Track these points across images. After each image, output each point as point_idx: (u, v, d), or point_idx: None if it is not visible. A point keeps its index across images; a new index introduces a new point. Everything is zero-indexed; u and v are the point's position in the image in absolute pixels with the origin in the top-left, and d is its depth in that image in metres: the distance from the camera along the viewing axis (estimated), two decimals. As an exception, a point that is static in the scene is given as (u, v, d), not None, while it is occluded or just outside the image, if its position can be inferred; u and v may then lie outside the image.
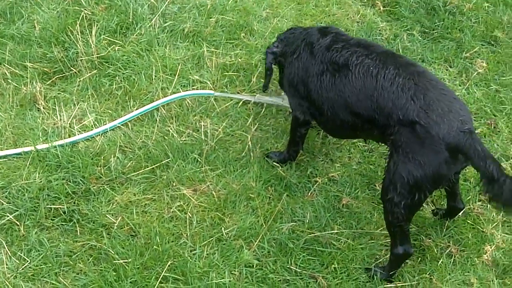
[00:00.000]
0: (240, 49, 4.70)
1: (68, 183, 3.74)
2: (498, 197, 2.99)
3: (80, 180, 3.75)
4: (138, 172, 3.83)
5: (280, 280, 3.37)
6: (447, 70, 4.69)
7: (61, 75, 4.43)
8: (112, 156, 3.90)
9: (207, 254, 3.45)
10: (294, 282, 3.36)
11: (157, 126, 4.08)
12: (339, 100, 3.45)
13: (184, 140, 4.01)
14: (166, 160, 3.88)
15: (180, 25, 4.80)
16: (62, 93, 4.33)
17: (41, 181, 3.72)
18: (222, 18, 4.91)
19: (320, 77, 3.54)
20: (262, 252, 3.48)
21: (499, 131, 4.26)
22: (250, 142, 4.00)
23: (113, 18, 4.75)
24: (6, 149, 3.93)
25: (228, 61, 4.59)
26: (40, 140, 3.99)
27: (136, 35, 4.68)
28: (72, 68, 4.44)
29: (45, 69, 4.44)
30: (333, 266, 3.43)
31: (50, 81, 4.39)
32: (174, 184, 3.77)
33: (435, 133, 3.04)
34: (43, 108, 4.19)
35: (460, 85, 4.56)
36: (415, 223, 3.65)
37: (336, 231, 3.59)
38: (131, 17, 4.77)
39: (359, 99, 3.35)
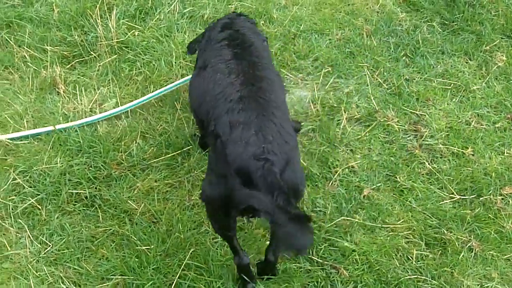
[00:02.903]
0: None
1: (90, 168, 3.73)
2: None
3: (101, 165, 3.75)
4: (159, 158, 3.82)
5: (302, 270, 3.37)
6: (467, 63, 4.67)
7: (80, 59, 4.41)
8: (133, 142, 3.89)
9: (229, 242, 3.45)
10: (315, 272, 3.37)
11: (178, 113, 4.06)
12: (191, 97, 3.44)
13: (205, 128, 4.00)
14: (187, 148, 3.86)
15: (200, 11, 4.78)
16: (82, 77, 4.31)
17: (62, 166, 3.72)
18: (241, 5, 4.89)
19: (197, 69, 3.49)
20: (283, 241, 3.48)
21: (519, 126, 4.26)
22: (270, 131, 3.99)
23: (132, 3, 4.73)
24: (27, 132, 3.93)
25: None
26: (60, 121, 3.98)
27: (155, 20, 4.66)
28: (91, 53, 4.42)
29: (65, 52, 4.42)
30: (354, 257, 3.43)
31: (70, 65, 4.38)
32: (195, 172, 3.77)
33: (228, 152, 2.77)
34: (63, 92, 4.17)
35: (480, 79, 4.54)
36: (436, 216, 3.65)
37: (357, 221, 3.59)
38: (150, 2, 4.75)
39: (200, 101, 3.21)
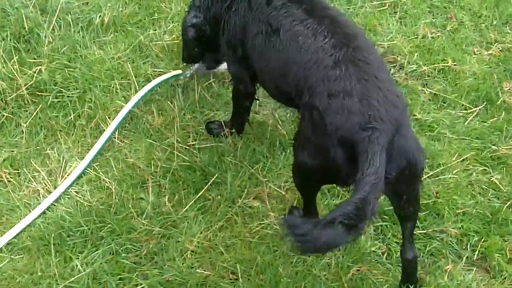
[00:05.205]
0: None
1: (118, 253, 2.83)
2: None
3: (130, 245, 2.86)
4: (185, 208, 3.04)
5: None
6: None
7: (-10, 127, 3.26)
8: (139, 200, 3.04)
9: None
10: (427, 246, 3.03)
11: (175, 146, 3.24)
12: (267, 69, 2.90)
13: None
14: (211, 179, 3.13)
15: (91, 16, 3.82)
16: (9, 149, 3.20)
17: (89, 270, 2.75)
18: None
19: (255, 38, 2.91)
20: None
21: (462, 22, 4.24)
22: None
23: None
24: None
25: (169, 40, 3.81)
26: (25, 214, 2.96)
27: (47, 45, 3.61)
28: (2, 113, 3.29)
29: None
30: (445, 212, 3.14)
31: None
32: (238, 201, 3.08)
33: (328, 123, 2.45)
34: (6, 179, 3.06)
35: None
36: (472, 137, 3.50)
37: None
38: (26, 26, 3.65)
39: (282, 72, 2.77)
